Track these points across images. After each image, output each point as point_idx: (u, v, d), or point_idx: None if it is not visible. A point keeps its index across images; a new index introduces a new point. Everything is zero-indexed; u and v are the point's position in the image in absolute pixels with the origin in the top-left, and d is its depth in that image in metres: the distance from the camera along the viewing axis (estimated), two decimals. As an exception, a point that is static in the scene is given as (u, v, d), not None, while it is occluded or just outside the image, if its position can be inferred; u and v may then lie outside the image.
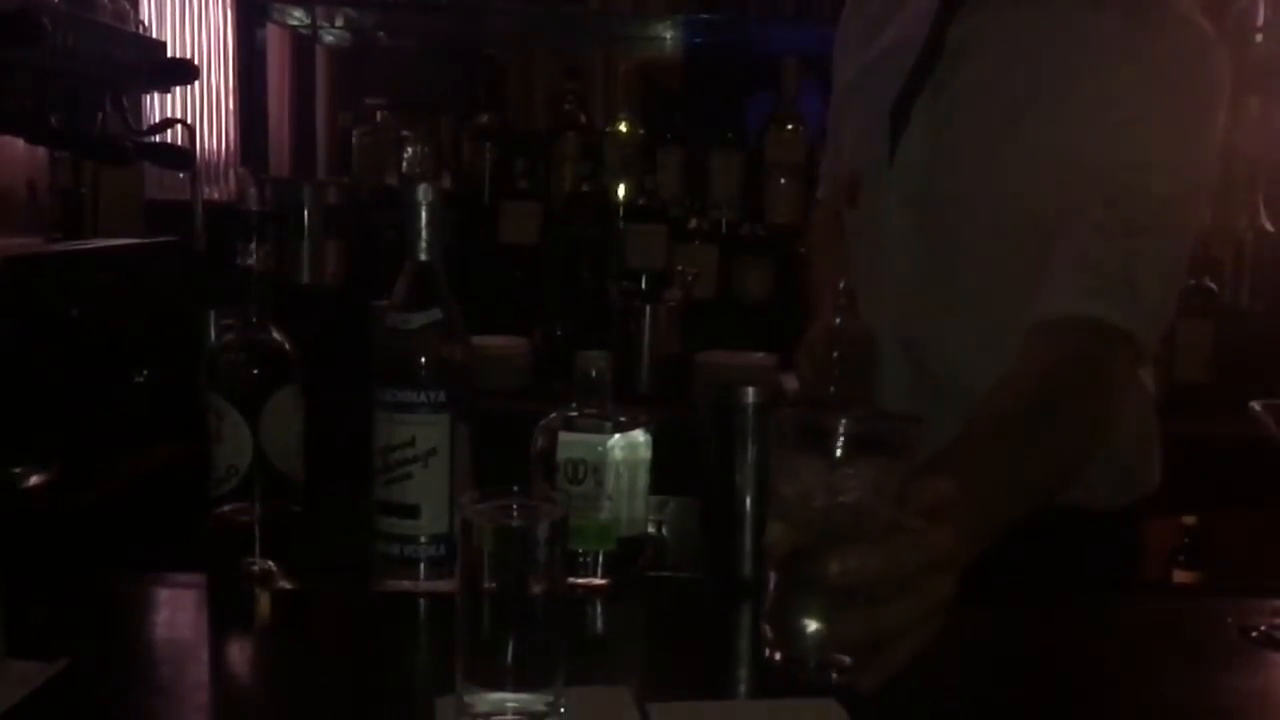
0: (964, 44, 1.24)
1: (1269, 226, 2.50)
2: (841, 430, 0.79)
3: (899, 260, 1.28)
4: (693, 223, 2.70)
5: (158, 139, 2.35)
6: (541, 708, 0.76)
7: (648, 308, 2.41)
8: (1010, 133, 1.18)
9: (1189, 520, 2.58)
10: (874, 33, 1.36)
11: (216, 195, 2.89)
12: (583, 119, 2.83)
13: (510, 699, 0.76)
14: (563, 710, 0.77)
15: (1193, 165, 1.15)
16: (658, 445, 1.08)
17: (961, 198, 1.22)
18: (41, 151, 2.09)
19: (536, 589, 0.76)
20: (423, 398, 1.02)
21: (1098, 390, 1.07)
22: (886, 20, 1.35)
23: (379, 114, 2.89)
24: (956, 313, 1.24)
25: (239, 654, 1.01)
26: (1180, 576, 2.57)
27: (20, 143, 2.01)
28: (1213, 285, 2.46)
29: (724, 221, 2.70)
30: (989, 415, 1.00)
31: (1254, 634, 1.00)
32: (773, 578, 0.81)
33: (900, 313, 1.29)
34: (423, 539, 1.03)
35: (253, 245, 1.06)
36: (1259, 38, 2.60)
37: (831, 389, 1.29)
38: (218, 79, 2.99)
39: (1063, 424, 1.01)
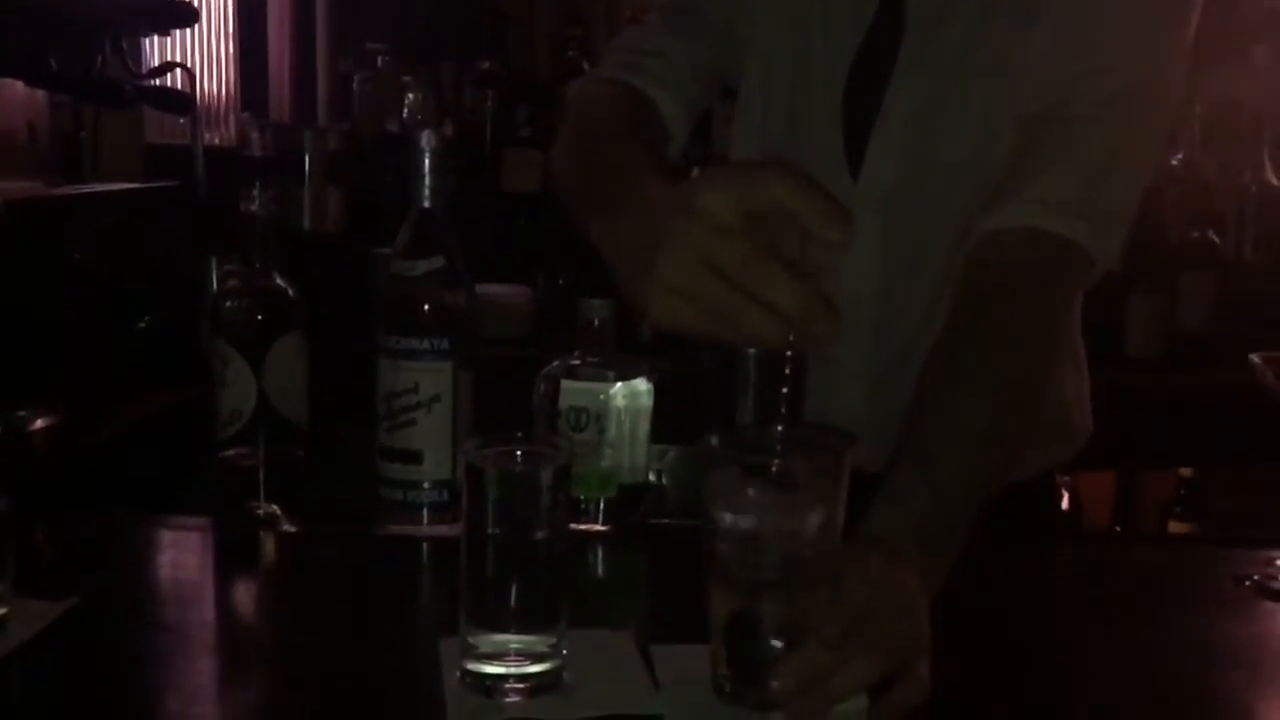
0: (922, 43, 1.13)
1: (1274, 179, 2.49)
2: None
3: (864, 260, 1.17)
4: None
5: (157, 83, 2.34)
6: (544, 649, 0.78)
7: (650, 256, 2.40)
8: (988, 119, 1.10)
9: (1185, 472, 2.59)
10: None
11: (217, 140, 2.87)
12: (585, 66, 2.81)
13: (514, 640, 0.77)
14: (565, 652, 0.78)
15: (1152, 64, 1.07)
16: (659, 394, 1.09)
17: (944, 191, 1.14)
18: (41, 94, 2.08)
19: (540, 534, 0.77)
20: (426, 345, 1.03)
21: (1039, 311, 0.99)
22: None
23: (380, 59, 2.87)
24: (930, 293, 1.15)
25: (244, 595, 1.02)
26: (1176, 528, 2.59)
27: (20, 85, 2.00)
28: (1215, 237, 2.46)
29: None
30: (926, 407, 0.93)
31: (1247, 583, 1.01)
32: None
33: (868, 304, 1.19)
34: (426, 484, 1.04)
35: (255, 191, 1.06)
36: (1269, -13, 2.58)
37: None
38: (217, 23, 2.96)
39: (1003, 368, 0.94)
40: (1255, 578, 1.02)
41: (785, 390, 0.80)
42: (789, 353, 0.78)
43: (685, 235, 0.75)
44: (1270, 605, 0.99)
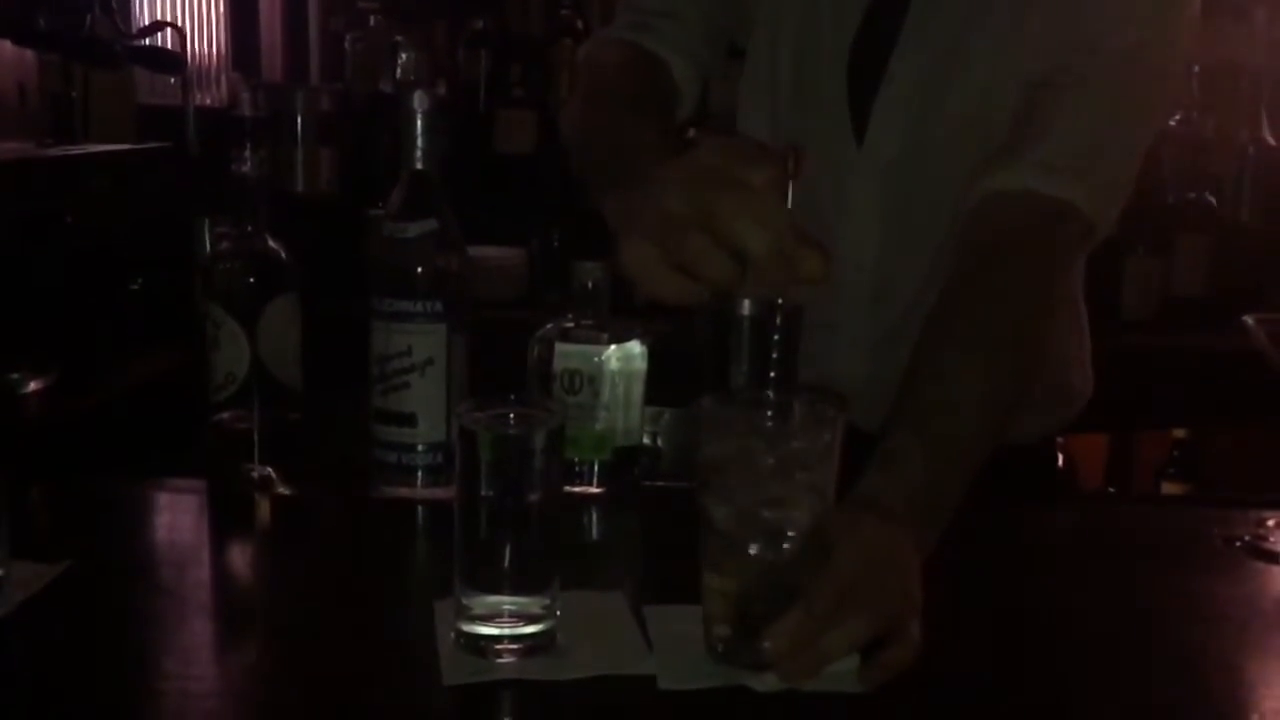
0: (928, 10, 1.12)
1: (1271, 140, 2.48)
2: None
3: (865, 226, 1.18)
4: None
5: (148, 42, 2.31)
6: (538, 610, 0.78)
7: (645, 218, 2.39)
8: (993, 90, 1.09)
9: (1179, 434, 2.60)
10: None
11: (208, 101, 2.85)
12: (580, 25, 2.78)
13: (507, 602, 0.77)
14: (558, 614, 0.79)
15: (1156, 30, 1.05)
16: (654, 356, 1.09)
17: (947, 158, 1.13)
18: (30, 54, 2.06)
19: (533, 496, 0.77)
20: (419, 307, 1.03)
21: (1037, 268, 0.99)
22: None
23: (372, 18, 2.84)
24: (932, 259, 1.13)
25: (239, 558, 1.03)
26: (1169, 489, 2.60)
27: (9, 45, 1.98)
28: (1212, 199, 2.45)
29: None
30: (916, 384, 0.92)
31: (1238, 544, 1.02)
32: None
33: (869, 270, 1.18)
34: (420, 447, 1.04)
35: (247, 152, 1.05)
36: (1269, -54, 2.56)
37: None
38: (208, -19, 2.93)
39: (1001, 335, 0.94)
40: (1246, 538, 1.02)
41: (778, 353, 0.80)
42: (778, 318, 0.77)
43: (669, 179, 0.75)
44: (1261, 565, 0.99)
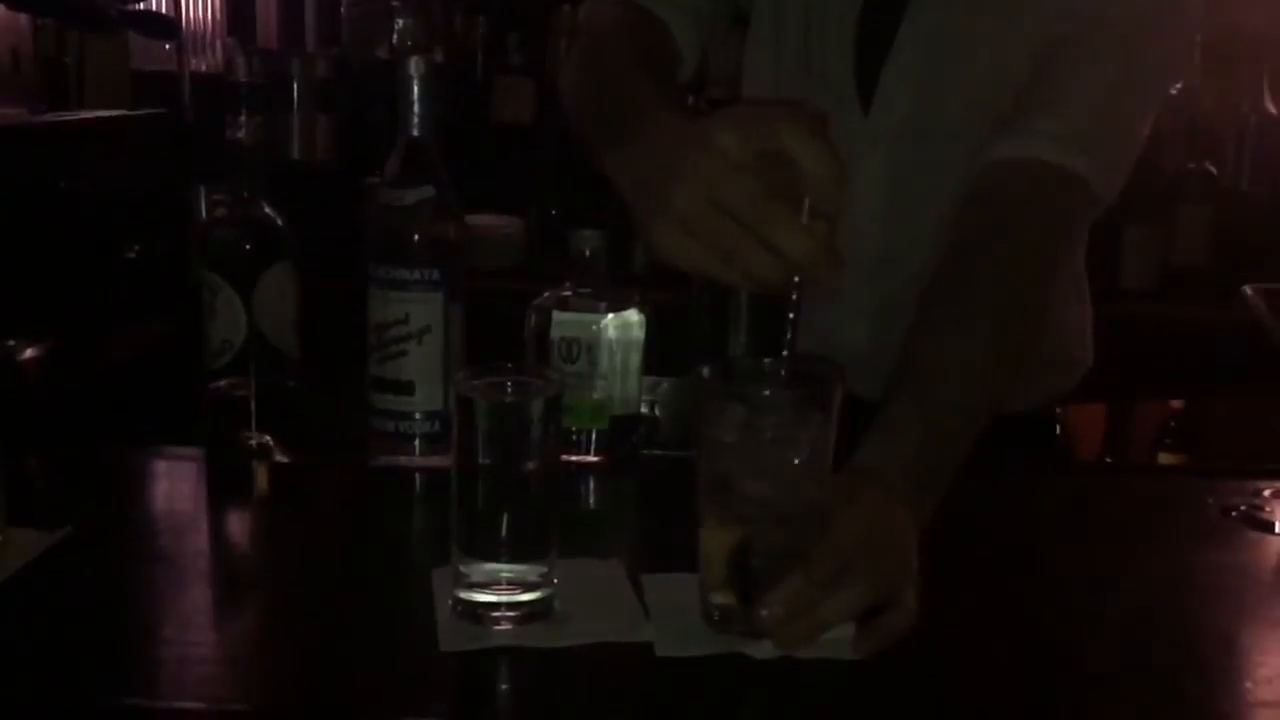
0: None
1: (1272, 109, 2.47)
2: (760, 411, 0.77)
3: (870, 194, 1.17)
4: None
5: (142, 7, 2.30)
6: (535, 578, 0.78)
7: (643, 186, 2.38)
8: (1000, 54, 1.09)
9: (1176, 404, 2.60)
10: None
11: (204, 67, 2.83)
12: (578, -9, 2.76)
13: (505, 570, 0.77)
14: (556, 581, 0.79)
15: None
16: (651, 325, 1.09)
17: (953, 127, 1.12)
18: (24, 19, 2.05)
19: (530, 465, 0.77)
20: (416, 275, 1.02)
21: (1040, 237, 0.99)
22: None
23: (369, -17, 2.82)
24: (936, 228, 1.10)
25: (238, 525, 1.03)
26: (1166, 459, 2.61)
27: (2, 10, 1.96)
28: (1212, 169, 2.44)
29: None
30: (917, 347, 0.92)
31: (1234, 513, 1.02)
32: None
33: (874, 239, 1.18)
34: (418, 415, 1.03)
35: (242, 118, 1.05)
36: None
37: None
38: (202, -55, 2.91)
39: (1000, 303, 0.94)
40: (1243, 508, 1.02)
41: (777, 322, 0.80)
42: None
43: (697, 170, 0.76)
44: (1257, 535, 0.99)
